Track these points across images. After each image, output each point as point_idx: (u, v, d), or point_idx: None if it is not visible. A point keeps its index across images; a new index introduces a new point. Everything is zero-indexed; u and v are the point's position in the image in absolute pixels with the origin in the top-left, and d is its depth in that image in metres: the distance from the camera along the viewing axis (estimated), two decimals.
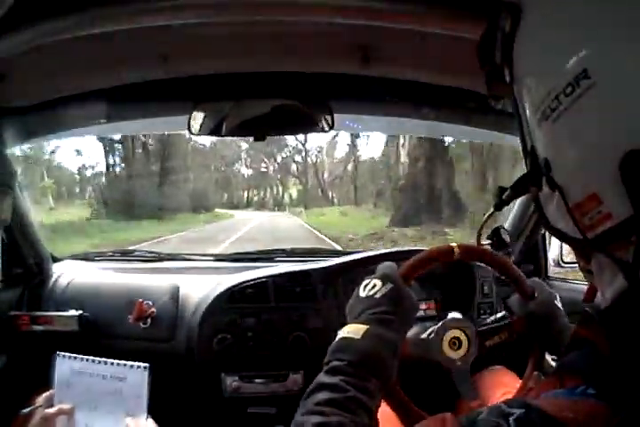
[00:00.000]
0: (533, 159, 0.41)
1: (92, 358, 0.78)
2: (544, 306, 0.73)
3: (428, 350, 0.70)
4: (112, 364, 0.77)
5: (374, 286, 0.58)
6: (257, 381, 1.13)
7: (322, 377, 0.48)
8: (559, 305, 0.74)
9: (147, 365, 0.76)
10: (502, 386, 0.96)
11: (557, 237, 0.41)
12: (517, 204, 1.30)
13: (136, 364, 0.77)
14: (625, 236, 0.34)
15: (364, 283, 0.60)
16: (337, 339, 0.53)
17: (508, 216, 1.32)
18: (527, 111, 0.40)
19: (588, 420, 0.32)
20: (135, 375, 0.76)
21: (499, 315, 0.79)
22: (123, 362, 0.77)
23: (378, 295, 0.56)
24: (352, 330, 0.52)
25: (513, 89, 0.42)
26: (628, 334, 0.34)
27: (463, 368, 0.71)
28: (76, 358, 0.79)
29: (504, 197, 0.48)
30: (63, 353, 0.79)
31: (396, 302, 0.56)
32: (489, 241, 0.78)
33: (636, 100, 0.32)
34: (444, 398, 0.82)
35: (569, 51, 0.35)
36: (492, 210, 0.54)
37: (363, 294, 0.58)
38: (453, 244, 0.70)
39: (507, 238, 0.77)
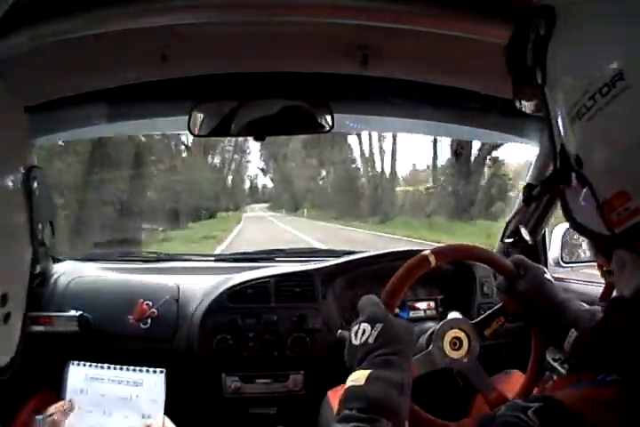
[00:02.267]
0: (563, 156, 0.42)
1: (105, 364, 0.79)
2: (533, 282, 0.73)
3: (433, 361, 0.70)
4: (127, 369, 0.78)
5: (364, 331, 0.57)
6: (257, 381, 1.13)
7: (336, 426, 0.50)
8: (549, 278, 0.75)
9: (162, 369, 0.78)
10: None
11: (583, 234, 0.43)
12: (518, 204, 1.29)
13: (152, 369, 0.78)
14: None
15: (354, 330, 0.59)
16: (344, 389, 0.53)
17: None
18: (559, 110, 0.41)
19: (606, 408, 0.32)
20: (151, 380, 0.77)
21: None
22: (138, 368, 0.78)
23: (371, 340, 0.56)
24: (355, 378, 0.53)
25: (543, 90, 0.43)
26: None
27: (472, 363, 0.72)
28: (90, 365, 0.79)
29: (534, 193, 0.49)
30: (77, 361, 0.79)
31: (390, 340, 0.56)
32: (511, 240, 0.78)
33: None
34: (458, 400, 0.81)
35: (606, 52, 0.36)
36: (521, 205, 0.54)
37: (355, 341, 0.58)
38: (426, 251, 0.69)
39: (527, 237, 0.77)
